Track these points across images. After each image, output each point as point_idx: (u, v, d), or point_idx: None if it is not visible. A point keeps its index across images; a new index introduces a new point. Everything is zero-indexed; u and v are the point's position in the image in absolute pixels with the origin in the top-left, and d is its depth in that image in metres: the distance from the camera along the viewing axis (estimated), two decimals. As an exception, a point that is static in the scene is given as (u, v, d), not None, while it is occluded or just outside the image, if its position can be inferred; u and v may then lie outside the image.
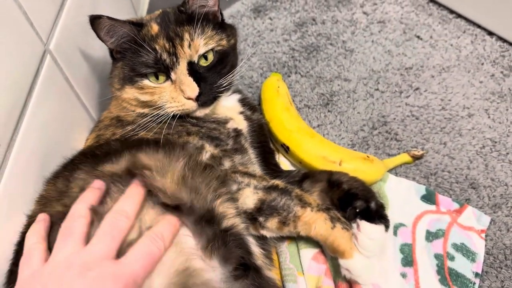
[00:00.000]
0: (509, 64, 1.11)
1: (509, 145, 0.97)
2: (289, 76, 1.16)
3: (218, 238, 0.64)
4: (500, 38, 1.16)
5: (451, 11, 1.23)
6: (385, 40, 1.20)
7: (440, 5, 1.25)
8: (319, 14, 1.29)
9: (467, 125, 1.01)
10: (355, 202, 0.78)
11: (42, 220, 0.64)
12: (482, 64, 1.11)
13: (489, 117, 1.02)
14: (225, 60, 0.83)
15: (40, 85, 0.73)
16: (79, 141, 0.86)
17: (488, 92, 1.06)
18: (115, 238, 0.58)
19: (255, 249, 0.74)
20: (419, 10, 1.26)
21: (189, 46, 0.76)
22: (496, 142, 0.98)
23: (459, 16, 1.21)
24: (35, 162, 0.72)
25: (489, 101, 1.04)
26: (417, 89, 1.09)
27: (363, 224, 0.74)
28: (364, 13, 1.27)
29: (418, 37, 1.19)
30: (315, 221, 0.73)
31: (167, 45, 0.76)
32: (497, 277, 0.81)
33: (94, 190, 0.64)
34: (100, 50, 0.95)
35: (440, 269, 0.81)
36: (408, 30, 1.21)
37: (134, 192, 0.64)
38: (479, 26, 1.18)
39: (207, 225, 0.64)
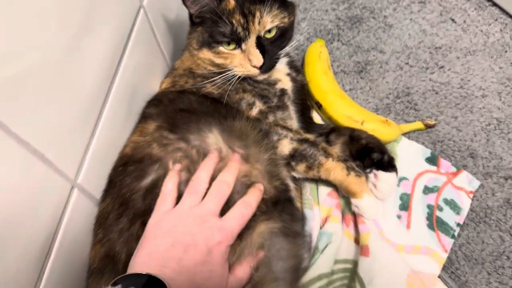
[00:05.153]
0: (530, 54, 1.22)
1: (512, 126, 1.11)
2: (331, 43, 1.32)
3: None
4: (528, 30, 1.25)
5: (488, -1, 1.33)
6: (422, 20, 1.32)
7: (479, -9, 1.35)
8: (367, -11, 1.42)
9: (479, 104, 1.15)
10: (372, 154, 0.96)
11: (177, 171, 0.79)
12: (506, 51, 1.22)
13: (500, 99, 1.15)
14: (285, 35, 0.97)
15: (134, 35, 0.91)
16: (155, 83, 1.06)
17: (505, 78, 1.18)
18: (221, 200, 0.74)
19: (290, 183, 0.94)
20: (459, -6, 1.37)
21: (259, 23, 0.89)
22: (501, 122, 1.12)
23: (495, 4, 1.31)
24: (126, 96, 0.91)
25: (504, 86, 1.17)
26: (441, 67, 1.22)
27: (381, 173, 0.92)
28: (408, -9, 1.39)
29: (452, 20, 1.31)
30: (334, 168, 0.91)
31: (241, 21, 0.88)
32: (474, 229, 1.00)
33: (212, 159, 0.80)
34: (177, 11, 1.14)
35: (430, 217, 0.99)
36: (445, 13, 1.33)
37: (234, 166, 0.80)
38: (510, 16, 1.29)
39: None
